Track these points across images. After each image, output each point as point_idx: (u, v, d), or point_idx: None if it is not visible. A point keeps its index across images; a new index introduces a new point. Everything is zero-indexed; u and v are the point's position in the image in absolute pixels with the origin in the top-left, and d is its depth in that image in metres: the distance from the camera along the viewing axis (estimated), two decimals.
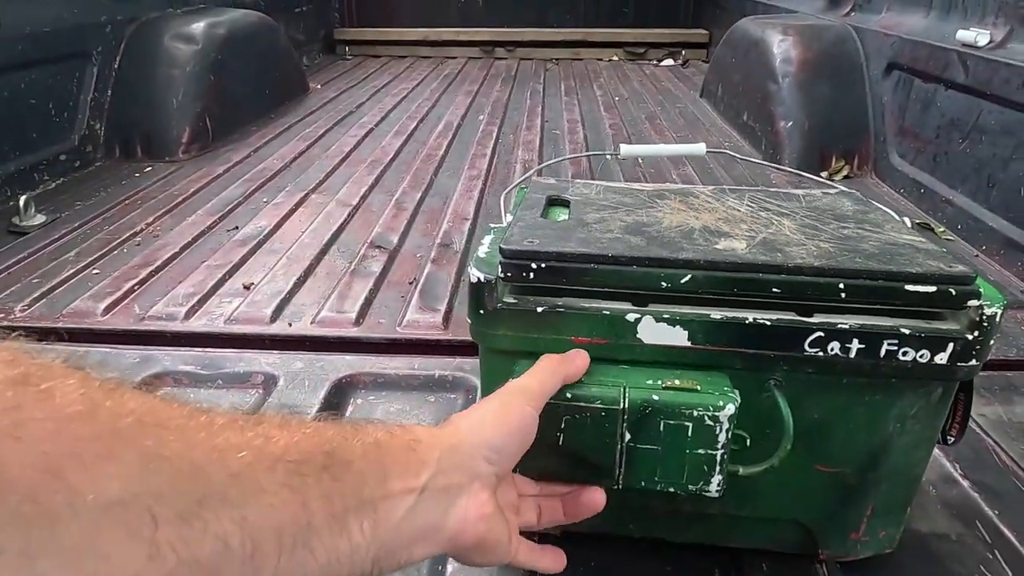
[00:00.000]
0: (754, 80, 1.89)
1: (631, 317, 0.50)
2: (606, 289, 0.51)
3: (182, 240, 1.27)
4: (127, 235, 1.29)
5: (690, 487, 0.48)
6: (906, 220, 1.19)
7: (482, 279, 0.51)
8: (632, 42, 3.35)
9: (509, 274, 0.51)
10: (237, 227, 1.34)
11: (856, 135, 1.64)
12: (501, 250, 0.51)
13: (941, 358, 0.47)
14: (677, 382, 0.47)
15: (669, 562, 0.60)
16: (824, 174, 1.64)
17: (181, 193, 1.50)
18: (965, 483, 0.71)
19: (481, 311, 0.52)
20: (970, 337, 0.47)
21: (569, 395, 0.47)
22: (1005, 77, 1.18)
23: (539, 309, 0.51)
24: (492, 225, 0.63)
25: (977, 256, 1.24)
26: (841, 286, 0.47)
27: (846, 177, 1.63)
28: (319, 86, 2.63)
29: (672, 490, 0.49)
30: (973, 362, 0.47)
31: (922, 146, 1.45)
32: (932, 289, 0.47)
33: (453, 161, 1.77)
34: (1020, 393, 0.86)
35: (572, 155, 1.00)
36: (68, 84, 1.62)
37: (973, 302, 0.46)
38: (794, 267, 0.48)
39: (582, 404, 0.47)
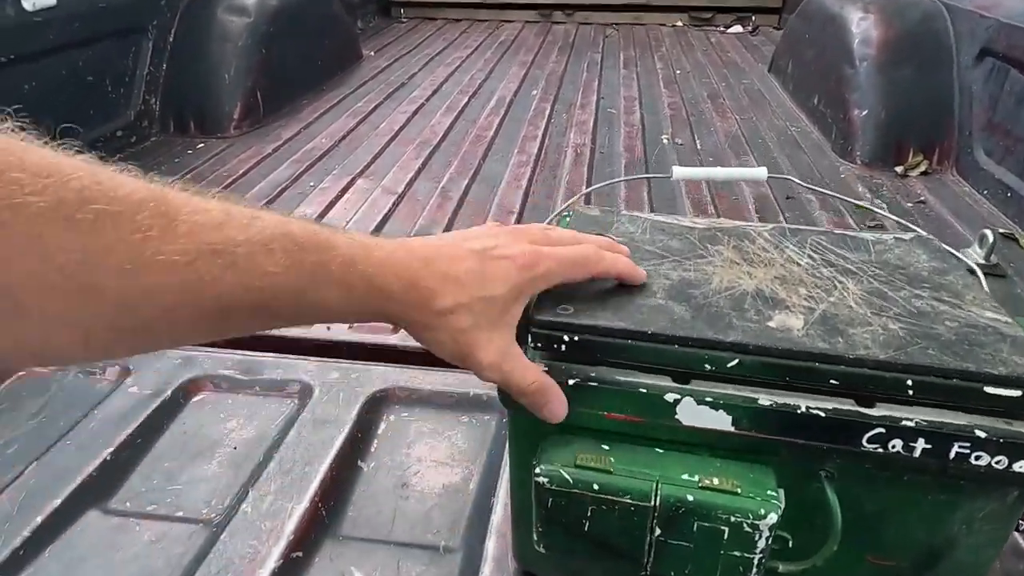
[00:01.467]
0: (828, 60, 1.76)
1: (670, 397, 0.46)
2: (644, 365, 0.47)
3: None
4: None
5: None
6: (987, 233, 1.08)
7: None
8: (698, 6, 3.17)
9: (539, 344, 0.47)
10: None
11: (938, 128, 1.51)
12: (531, 319, 0.47)
13: (1021, 466, 0.42)
14: (716, 481, 0.44)
15: None
16: (899, 169, 1.53)
17: (231, 174, 1.51)
18: None
19: None
20: None
21: (597, 486, 0.44)
22: None
23: (571, 382, 0.47)
24: None
25: None
26: (909, 383, 0.42)
27: (923, 173, 1.51)
28: (372, 53, 2.59)
29: None
30: None
31: (1012, 144, 1.32)
32: (1016, 394, 0.41)
33: (503, 144, 1.72)
34: None
35: (623, 178, 0.95)
36: (124, 60, 1.63)
37: None
38: (855, 359, 0.43)
39: (610, 496, 0.44)
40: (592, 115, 1.92)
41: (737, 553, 0.43)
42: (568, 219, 0.66)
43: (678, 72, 2.35)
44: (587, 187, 1.48)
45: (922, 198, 1.41)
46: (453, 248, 0.44)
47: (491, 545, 0.66)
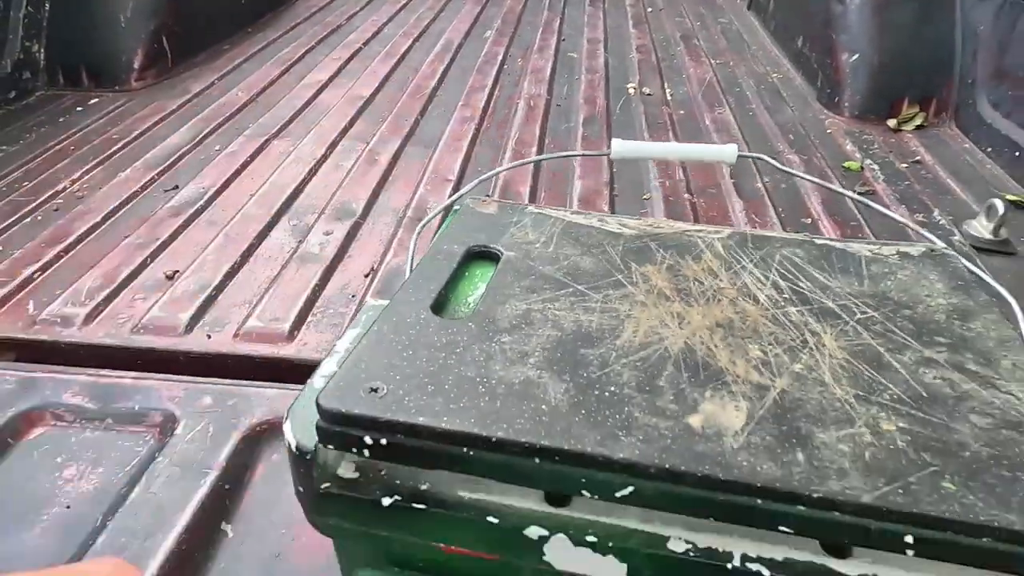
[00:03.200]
0: None
1: (534, 532, 0.30)
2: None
3: (107, 205, 1.08)
4: (45, 196, 1.11)
5: None
6: (996, 203, 0.89)
7: (295, 446, 0.32)
8: None
9: (331, 445, 0.31)
10: (177, 186, 1.15)
11: (938, 75, 1.31)
12: (318, 407, 0.30)
13: None
14: None
15: None
16: (892, 123, 1.34)
17: (122, 136, 1.30)
18: None
19: (302, 489, 0.33)
20: None
21: None
22: None
23: (387, 501, 0.31)
24: (371, 302, 0.42)
25: None
26: (909, 539, 0.26)
27: (919, 127, 1.33)
28: None
29: None
30: None
31: None
32: None
33: (446, 96, 1.51)
34: None
35: (549, 155, 0.78)
36: None
37: None
38: (822, 499, 0.26)
39: None
40: (551, 60, 1.71)
41: None
42: (455, 215, 0.48)
43: (650, 10, 2.11)
44: (538, 149, 1.29)
45: (917, 157, 1.23)
46: None
47: None
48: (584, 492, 0.28)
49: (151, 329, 0.84)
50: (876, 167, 1.21)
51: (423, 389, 0.31)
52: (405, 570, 0.33)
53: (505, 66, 1.68)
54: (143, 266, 0.95)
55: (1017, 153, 1.14)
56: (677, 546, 0.29)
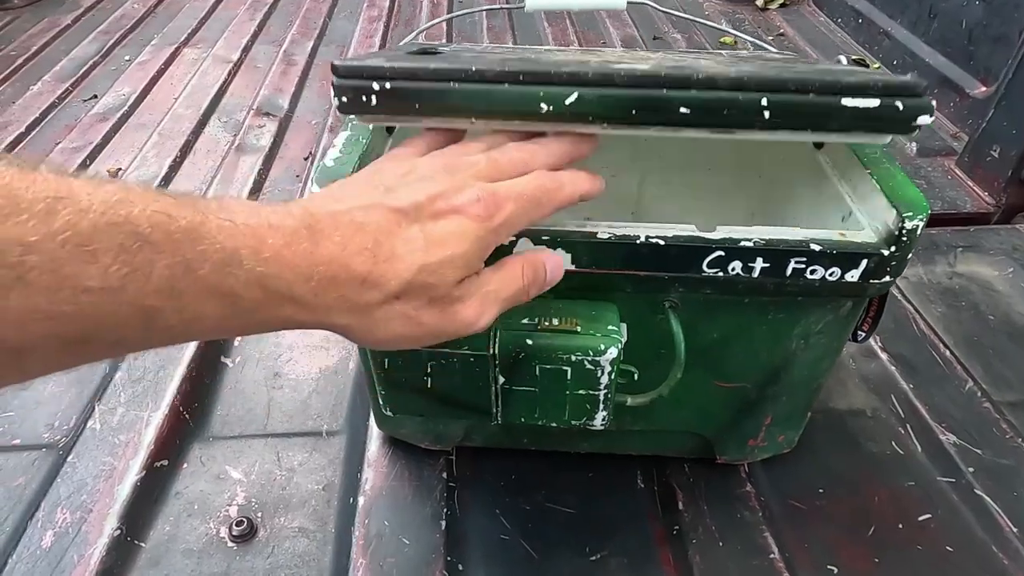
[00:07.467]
0: None
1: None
2: (470, 119, 0.39)
3: (28, 116, 1.09)
4: None
5: (573, 422, 0.44)
6: (841, 59, 1.08)
7: None
8: None
9: (345, 99, 0.39)
10: (96, 96, 1.16)
11: None
12: (334, 67, 0.39)
13: (852, 275, 0.42)
14: (555, 321, 0.41)
15: (591, 469, 0.58)
16: (760, 2, 1.50)
17: (21, 52, 1.27)
18: (884, 356, 0.69)
19: None
20: (886, 252, 0.41)
21: None
22: None
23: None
24: (353, 118, 0.52)
25: None
26: (764, 102, 0.37)
27: (782, 5, 1.50)
28: None
29: (554, 424, 0.45)
30: (887, 279, 0.42)
31: None
32: (875, 103, 0.36)
33: None
34: (941, 252, 0.84)
35: (464, 11, 0.87)
36: None
37: (924, 118, 0.37)
38: (706, 79, 0.37)
39: (447, 350, 0.41)
40: None
41: (582, 391, 0.42)
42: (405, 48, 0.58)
43: None
44: (447, 36, 1.36)
45: (781, 30, 1.41)
46: (374, 212, 0.32)
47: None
48: (542, 105, 0.37)
49: None
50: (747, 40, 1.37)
51: (416, 63, 0.39)
52: None
53: None
54: (84, 166, 0.98)
55: (859, 20, 1.33)
56: (603, 235, 0.42)
